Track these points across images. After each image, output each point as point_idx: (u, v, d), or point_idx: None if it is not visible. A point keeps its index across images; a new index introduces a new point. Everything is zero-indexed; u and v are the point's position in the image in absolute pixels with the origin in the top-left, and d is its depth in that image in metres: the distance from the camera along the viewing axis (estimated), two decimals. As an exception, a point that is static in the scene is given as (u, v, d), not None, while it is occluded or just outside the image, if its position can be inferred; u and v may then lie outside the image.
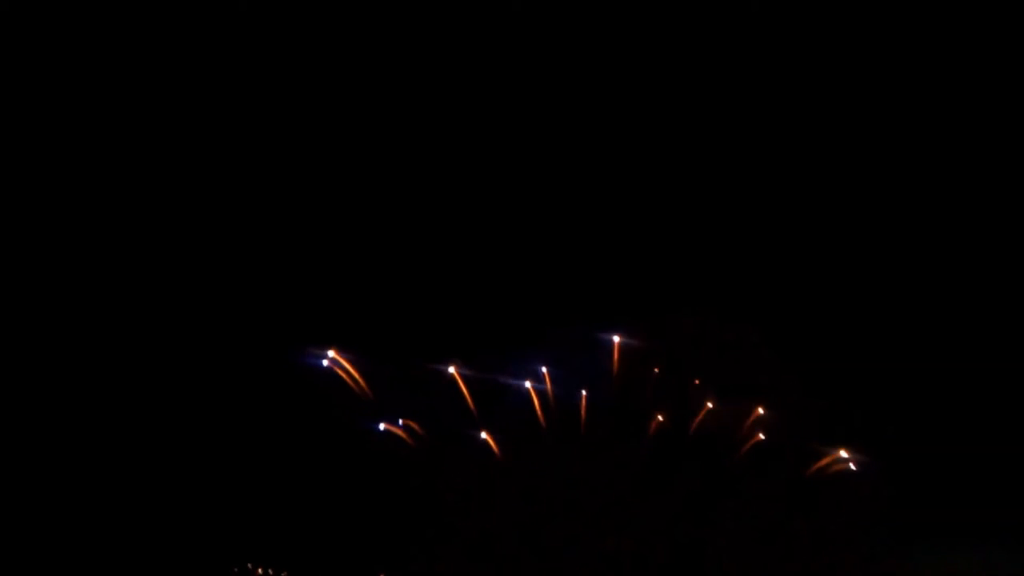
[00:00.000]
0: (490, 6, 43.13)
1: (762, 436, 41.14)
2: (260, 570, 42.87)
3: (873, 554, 40.85)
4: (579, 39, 43.87)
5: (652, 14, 43.46)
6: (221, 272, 42.46)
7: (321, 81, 43.28)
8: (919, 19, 42.22)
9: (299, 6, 43.40)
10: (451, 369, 41.10)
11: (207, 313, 42.30)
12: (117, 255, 41.98)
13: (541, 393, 41.85)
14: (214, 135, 43.10)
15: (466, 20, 43.28)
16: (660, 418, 41.65)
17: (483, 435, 41.70)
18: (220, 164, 42.94)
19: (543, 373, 41.84)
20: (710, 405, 40.99)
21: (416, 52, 43.86)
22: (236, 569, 42.43)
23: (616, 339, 41.83)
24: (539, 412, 41.86)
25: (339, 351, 41.23)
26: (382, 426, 41.37)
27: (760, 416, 41.11)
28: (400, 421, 41.50)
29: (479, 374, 41.34)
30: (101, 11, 40.91)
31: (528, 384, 41.65)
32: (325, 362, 41.22)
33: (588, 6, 43.77)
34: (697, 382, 41.71)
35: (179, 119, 43.17)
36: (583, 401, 41.75)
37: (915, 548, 40.23)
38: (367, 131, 44.12)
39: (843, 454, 41.28)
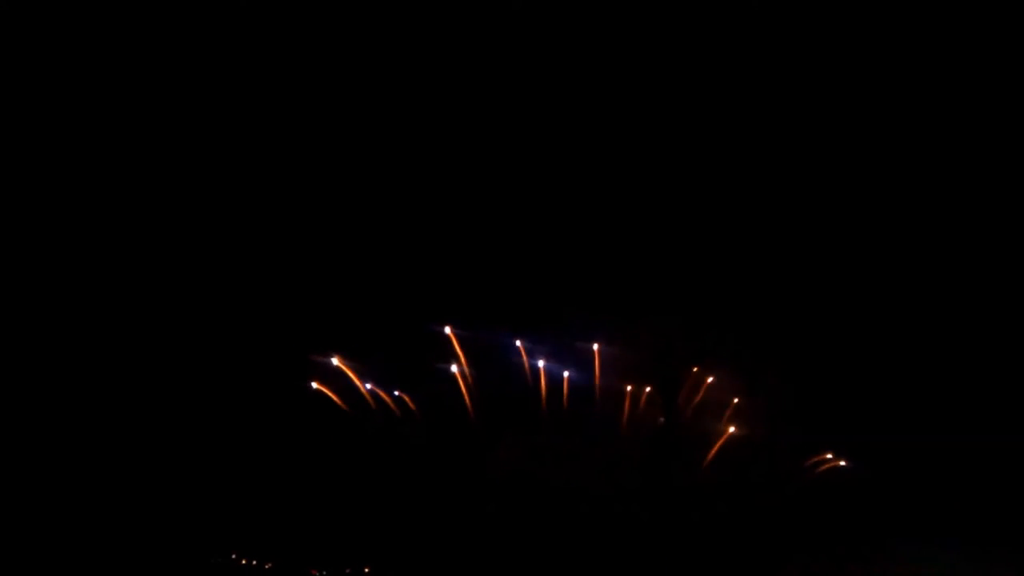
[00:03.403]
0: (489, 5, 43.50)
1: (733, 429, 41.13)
2: (244, 561, 42.95)
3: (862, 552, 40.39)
4: (575, 38, 44.13)
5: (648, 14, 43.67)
6: (199, 258, 42.82)
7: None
8: (919, 19, 42.08)
9: (299, 6, 43.88)
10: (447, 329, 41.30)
11: (182, 303, 42.58)
12: (105, 251, 42.32)
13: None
14: (213, 135, 43.51)
15: (464, 19, 43.68)
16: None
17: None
18: (214, 164, 43.36)
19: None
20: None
21: (416, 51, 44.26)
22: (220, 559, 42.60)
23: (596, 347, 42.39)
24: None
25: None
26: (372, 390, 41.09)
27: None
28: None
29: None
30: (101, 11, 41.44)
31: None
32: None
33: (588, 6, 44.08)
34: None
35: (179, 120, 43.62)
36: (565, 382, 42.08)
37: (904, 547, 39.72)
38: (366, 129, 44.52)
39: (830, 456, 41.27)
